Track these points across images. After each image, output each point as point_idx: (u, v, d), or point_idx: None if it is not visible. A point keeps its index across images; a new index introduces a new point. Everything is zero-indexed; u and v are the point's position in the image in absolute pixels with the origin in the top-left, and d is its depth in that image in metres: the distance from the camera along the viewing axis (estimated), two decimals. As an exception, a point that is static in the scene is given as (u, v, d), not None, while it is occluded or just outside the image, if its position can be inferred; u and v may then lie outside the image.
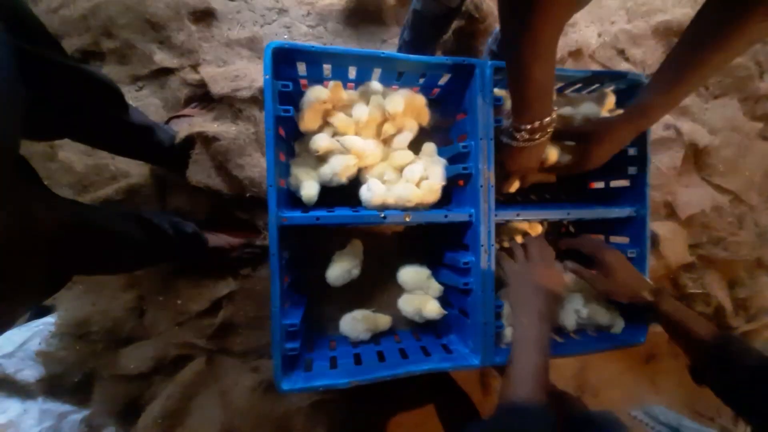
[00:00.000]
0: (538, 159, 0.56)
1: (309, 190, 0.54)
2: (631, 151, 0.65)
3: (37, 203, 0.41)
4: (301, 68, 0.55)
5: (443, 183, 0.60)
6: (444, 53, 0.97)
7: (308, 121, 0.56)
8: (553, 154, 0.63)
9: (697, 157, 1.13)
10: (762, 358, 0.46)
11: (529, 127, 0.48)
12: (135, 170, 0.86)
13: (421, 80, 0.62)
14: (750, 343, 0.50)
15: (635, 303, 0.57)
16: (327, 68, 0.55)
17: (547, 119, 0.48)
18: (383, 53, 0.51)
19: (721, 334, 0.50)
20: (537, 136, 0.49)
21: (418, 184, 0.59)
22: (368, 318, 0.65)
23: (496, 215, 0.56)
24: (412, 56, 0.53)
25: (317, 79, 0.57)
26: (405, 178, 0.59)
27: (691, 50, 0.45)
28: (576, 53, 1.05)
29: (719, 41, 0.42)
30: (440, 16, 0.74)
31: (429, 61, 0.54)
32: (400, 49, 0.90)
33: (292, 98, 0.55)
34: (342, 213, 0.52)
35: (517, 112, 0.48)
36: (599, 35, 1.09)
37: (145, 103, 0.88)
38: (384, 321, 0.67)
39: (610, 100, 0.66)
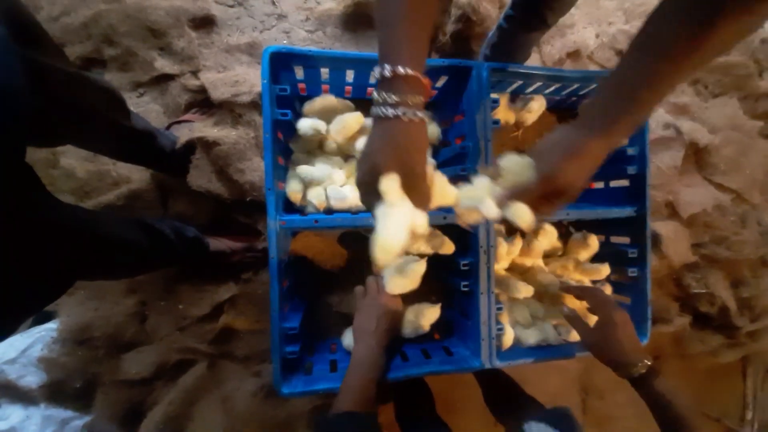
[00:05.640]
0: (409, 158, 0.36)
1: (293, 187, 0.55)
2: (631, 151, 0.65)
3: (42, 209, 0.41)
4: (299, 72, 0.56)
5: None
6: (441, 56, 0.98)
7: (302, 148, 0.57)
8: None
9: (698, 156, 1.13)
10: None
11: (391, 72, 0.34)
12: (136, 176, 0.87)
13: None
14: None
15: (622, 371, 0.52)
16: (325, 72, 0.56)
17: (414, 72, 0.34)
18: (377, 56, 0.51)
19: None
20: (408, 99, 0.35)
21: None
22: None
23: (495, 216, 0.56)
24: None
25: (315, 83, 0.58)
26: None
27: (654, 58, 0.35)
28: (574, 54, 1.06)
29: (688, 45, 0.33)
30: None
31: (425, 64, 0.54)
32: None
33: (291, 102, 0.56)
34: (340, 216, 0.52)
35: (379, 48, 0.36)
36: (597, 36, 1.09)
37: (146, 109, 0.89)
38: None
39: None
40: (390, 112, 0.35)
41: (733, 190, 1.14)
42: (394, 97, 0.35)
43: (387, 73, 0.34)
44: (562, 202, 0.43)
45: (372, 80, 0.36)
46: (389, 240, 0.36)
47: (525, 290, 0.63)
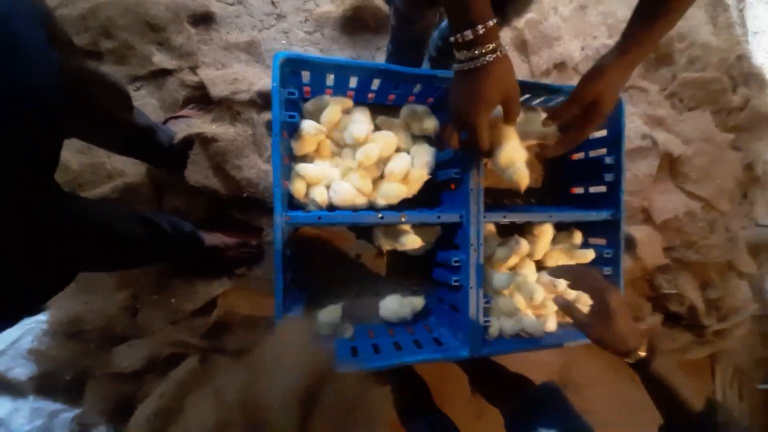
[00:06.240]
0: (510, 82, 0.47)
1: (297, 184, 0.57)
2: (608, 160, 0.70)
3: (51, 202, 0.42)
4: (305, 75, 0.58)
5: (428, 174, 0.64)
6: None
7: (302, 148, 0.60)
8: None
9: (671, 166, 1.20)
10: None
11: (472, 36, 0.42)
12: (131, 169, 0.87)
13: (416, 89, 0.66)
14: (732, 413, 0.46)
15: (623, 357, 0.50)
16: (330, 77, 0.58)
17: (491, 22, 0.42)
18: (383, 65, 0.54)
19: (709, 401, 0.46)
20: (490, 47, 0.43)
21: (405, 178, 0.62)
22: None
23: (484, 217, 0.60)
24: (408, 69, 0.56)
25: (320, 86, 0.60)
26: (388, 173, 0.61)
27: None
28: (560, 66, 1.11)
29: None
30: (412, 31, 0.76)
31: (423, 74, 0.58)
32: (387, 61, 0.92)
33: (296, 104, 0.58)
34: (342, 213, 0.55)
35: (455, 23, 0.43)
36: (582, 49, 1.15)
37: (142, 103, 0.89)
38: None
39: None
40: (484, 60, 0.43)
41: (703, 198, 1.22)
42: (482, 49, 0.43)
43: (480, 31, 0.42)
44: (598, 117, 0.54)
45: (457, 41, 0.44)
46: (517, 156, 0.55)
47: (498, 281, 0.66)
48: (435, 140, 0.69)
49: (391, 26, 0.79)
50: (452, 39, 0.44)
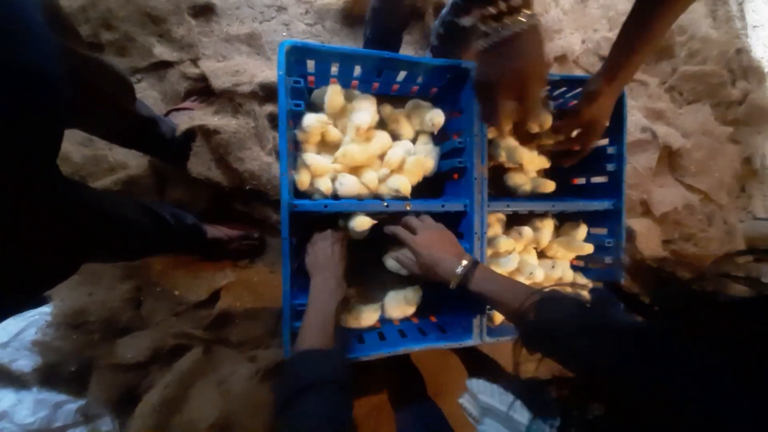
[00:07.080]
0: (540, 53, 0.42)
1: (302, 174, 0.57)
2: (610, 150, 0.70)
3: (58, 189, 0.42)
4: (309, 65, 0.58)
5: (433, 165, 0.64)
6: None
7: (307, 140, 0.60)
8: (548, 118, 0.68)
9: (671, 159, 1.21)
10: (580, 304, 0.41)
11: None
12: (133, 161, 0.87)
13: (419, 80, 0.66)
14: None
15: (451, 284, 0.51)
16: (334, 66, 0.58)
17: None
18: (388, 54, 0.54)
19: (535, 292, 0.44)
20: (523, 15, 0.39)
21: (401, 167, 0.62)
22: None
23: (488, 206, 0.61)
24: (413, 58, 0.57)
25: (324, 76, 0.61)
26: (386, 162, 0.61)
27: (642, 20, 0.51)
28: (561, 59, 1.11)
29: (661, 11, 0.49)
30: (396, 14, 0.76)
31: (427, 63, 0.58)
32: (365, 46, 0.91)
33: (302, 93, 0.58)
34: (348, 201, 0.55)
35: None
36: (583, 42, 1.15)
37: (143, 95, 0.89)
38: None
39: None
40: (533, 22, 0.39)
41: (702, 191, 1.23)
42: (527, 11, 0.39)
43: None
44: (593, 133, 0.64)
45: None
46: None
47: (505, 263, 0.67)
48: (438, 133, 0.69)
49: (372, 8, 0.78)
50: (493, 11, 0.38)
